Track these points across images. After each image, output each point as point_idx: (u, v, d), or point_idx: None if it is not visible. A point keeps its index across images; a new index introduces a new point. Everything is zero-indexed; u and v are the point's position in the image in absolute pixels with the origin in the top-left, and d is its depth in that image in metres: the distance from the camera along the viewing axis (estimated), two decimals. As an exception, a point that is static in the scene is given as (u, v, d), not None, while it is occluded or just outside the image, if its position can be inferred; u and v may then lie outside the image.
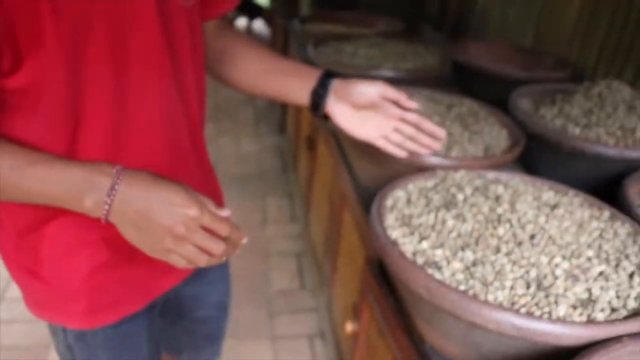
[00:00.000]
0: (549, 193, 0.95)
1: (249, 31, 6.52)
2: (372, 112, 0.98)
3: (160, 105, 0.81)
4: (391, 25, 2.31)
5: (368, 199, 1.28)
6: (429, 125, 1.01)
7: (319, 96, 0.97)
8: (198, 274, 1.07)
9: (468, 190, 0.91)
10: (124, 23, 0.72)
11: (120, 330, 0.93)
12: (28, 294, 0.92)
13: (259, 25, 6.17)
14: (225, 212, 0.74)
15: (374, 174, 1.23)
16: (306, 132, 2.27)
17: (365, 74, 1.54)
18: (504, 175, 1.03)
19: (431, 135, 1.02)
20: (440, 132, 1.02)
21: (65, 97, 0.72)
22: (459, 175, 1.00)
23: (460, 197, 0.89)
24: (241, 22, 6.03)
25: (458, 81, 1.83)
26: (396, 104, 1.00)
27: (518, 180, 1.01)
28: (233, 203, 2.95)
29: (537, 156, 1.29)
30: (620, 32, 1.72)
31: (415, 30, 2.77)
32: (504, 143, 1.23)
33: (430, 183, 0.98)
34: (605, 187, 1.23)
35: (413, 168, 1.09)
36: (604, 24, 1.79)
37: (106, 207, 0.69)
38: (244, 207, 2.87)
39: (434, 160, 1.07)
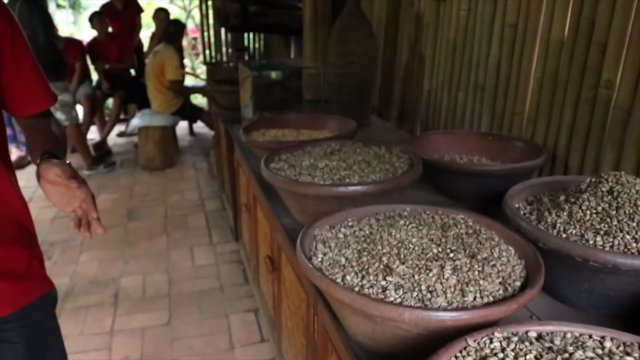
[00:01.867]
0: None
1: (191, 132, 6.26)
2: (64, 189, 1.08)
3: None
4: (342, 124, 2.07)
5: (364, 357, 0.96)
6: (94, 215, 1.10)
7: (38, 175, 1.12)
8: None
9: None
10: None
11: None
12: None
13: (200, 125, 5.93)
14: None
15: (367, 330, 0.91)
16: (265, 251, 1.95)
17: (333, 194, 1.26)
18: (550, 328, 0.75)
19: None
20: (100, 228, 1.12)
21: None
22: (497, 343, 0.70)
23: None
24: (183, 123, 5.77)
25: (429, 179, 1.58)
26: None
27: (575, 333, 0.73)
28: (194, 325, 2.57)
29: (555, 273, 1.03)
30: (590, 109, 1.53)
31: (363, 122, 2.56)
32: (518, 266, 0.96)
33: (467, 364, 0.68)
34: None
35: (420, 328, 0.80)
36: (570, 102, 1.61)
37: None
38: (206, 328, 2.48)
39: (450, 316, 0.78)
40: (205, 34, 6.51)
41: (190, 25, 9.12)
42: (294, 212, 1.45)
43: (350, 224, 1.11)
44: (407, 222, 1.06)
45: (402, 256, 0.93)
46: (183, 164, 5.09)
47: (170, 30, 4.88)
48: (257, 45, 5.97)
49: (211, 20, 6.44)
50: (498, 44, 1.95)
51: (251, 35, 5.91)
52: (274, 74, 3.33)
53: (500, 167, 1.51)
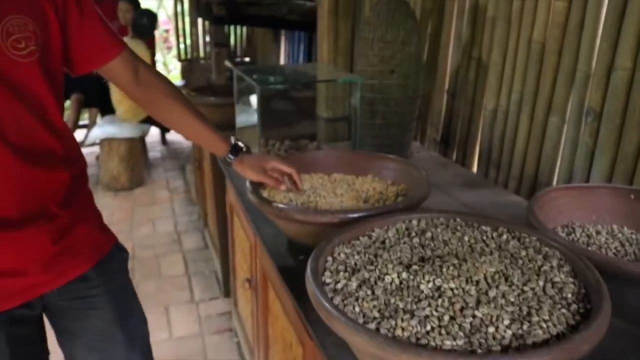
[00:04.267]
0: None
1: (163, 141, 5.55)
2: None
3: None
4: (399, 170, 1.42)
5: None
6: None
7: (228, 163, 1.32)
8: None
9: None
10: None
11: None
12: None
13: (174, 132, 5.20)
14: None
15: None
16: (296, 350, 1.30)
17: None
18: None
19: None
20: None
21: None
22: None
23: None
24: (154, 130, 5.05)
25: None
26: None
27: None
28: None
29: None
30: None
31: (403, 153, 1.94)
32: None
33: None
34: None
35: None
36: None
37: None
38: None
39: None
40: (180, 25, 5.78)
41: (163, 17, 8.36)
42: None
43: None
44: None
45: None
46: (154, 182, 4.38)
47: (142, 22, 4.16)
48: (238, 38, 5.29)
49: (186, 6, 5.73)
50: (630, 52, 1.33)
51: (232, 27, 5.22)
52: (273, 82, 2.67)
53: None
